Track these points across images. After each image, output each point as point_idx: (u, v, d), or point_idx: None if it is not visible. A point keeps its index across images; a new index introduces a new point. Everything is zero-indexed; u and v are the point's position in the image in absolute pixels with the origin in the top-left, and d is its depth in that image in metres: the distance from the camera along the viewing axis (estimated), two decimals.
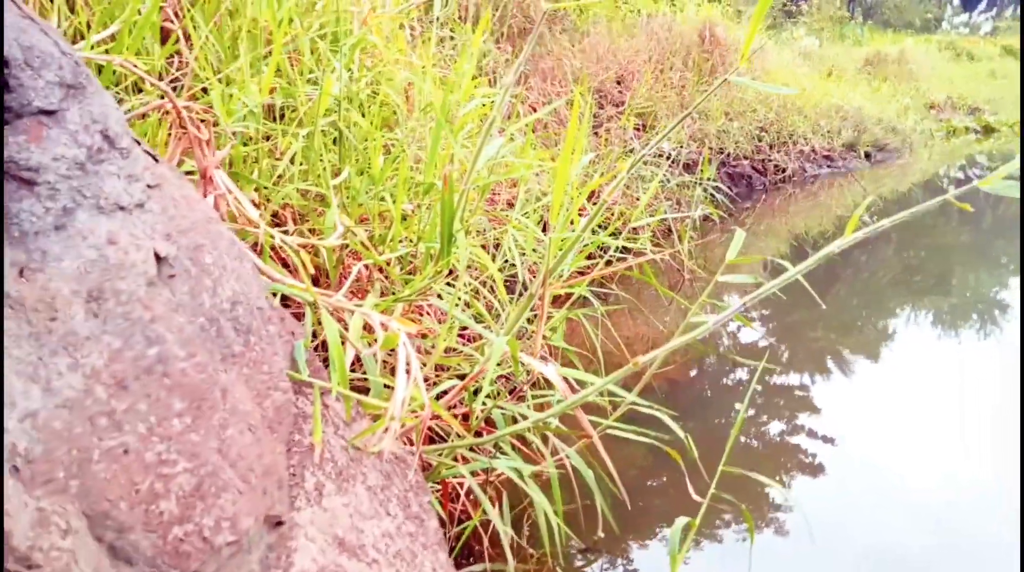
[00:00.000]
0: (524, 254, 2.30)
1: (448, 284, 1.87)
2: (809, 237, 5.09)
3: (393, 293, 1.66)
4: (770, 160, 6.71)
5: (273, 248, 1.45)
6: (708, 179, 3.89)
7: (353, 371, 1.38)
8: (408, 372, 0.94)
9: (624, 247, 3.85)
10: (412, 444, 1.28)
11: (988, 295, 3.94)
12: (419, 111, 2.44)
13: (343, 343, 1.06)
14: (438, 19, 2.96)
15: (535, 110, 4.62)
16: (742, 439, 2.33)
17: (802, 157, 7.17)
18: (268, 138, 1.84)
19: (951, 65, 16.88)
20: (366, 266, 1.65)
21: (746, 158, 6.52)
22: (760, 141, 6.84)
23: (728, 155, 6.35)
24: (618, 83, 6.45)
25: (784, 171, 6.75)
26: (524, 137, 3.02)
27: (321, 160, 1.71)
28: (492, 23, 4.48)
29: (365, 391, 1.38)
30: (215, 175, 1.21)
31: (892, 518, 1.96)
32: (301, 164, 1.77)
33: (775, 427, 2.46)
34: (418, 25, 3.40)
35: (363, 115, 2.06)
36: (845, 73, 11.82)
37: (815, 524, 1.86)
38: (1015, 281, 4.19)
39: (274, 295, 1.23)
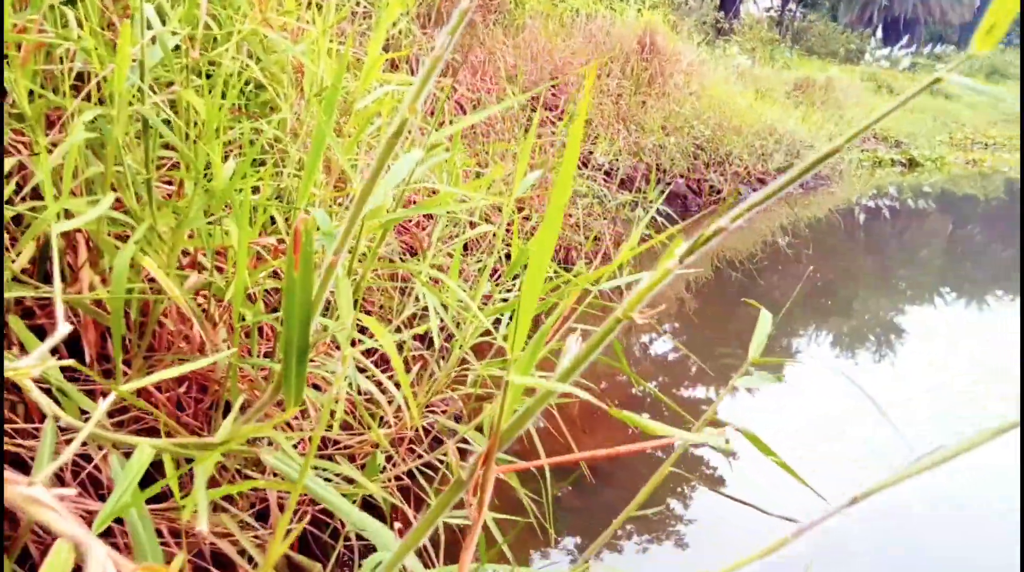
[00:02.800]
0: (445, 308, 1.79)
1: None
2: (736, 260, 5.03)
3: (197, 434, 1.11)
4: (706, 180, 6.39)
5: None
6: (651, 201, 3.47)
7: None
8: None
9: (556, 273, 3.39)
10: None
11: (886, 319, 4.10)
12: (311, 98, 1.89)
13: None
14: None
15: (462, 107, 4.11)
16: (647, 449, 2.11)
17: (737, 178, 6.89)
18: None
19: (873, 96, 17.23)
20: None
21: (682, 176, 6.17)
22: (696, 159, 6.52)
23: (664, 172, 5.98)
24: (553, 85, 6.00)
25: (719, 192, 6.45)
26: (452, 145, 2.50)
27: (120, 165, 1.13)
28: (420, 5, 3.94)
29: None
30: None
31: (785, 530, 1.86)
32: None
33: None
34: None
35: (223, 96, 1.49)
36: (775, 94, 11.77)
37: (714, 535, 1.94)
38: (912, 307, 4.42)
39: None
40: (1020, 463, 2.26)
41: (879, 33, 35.59)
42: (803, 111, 10.97)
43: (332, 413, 1.24)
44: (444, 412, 1.91)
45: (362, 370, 1.45)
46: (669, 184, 6.01)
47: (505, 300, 1.94)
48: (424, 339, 2.10)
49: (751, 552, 0.58)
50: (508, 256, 3.03)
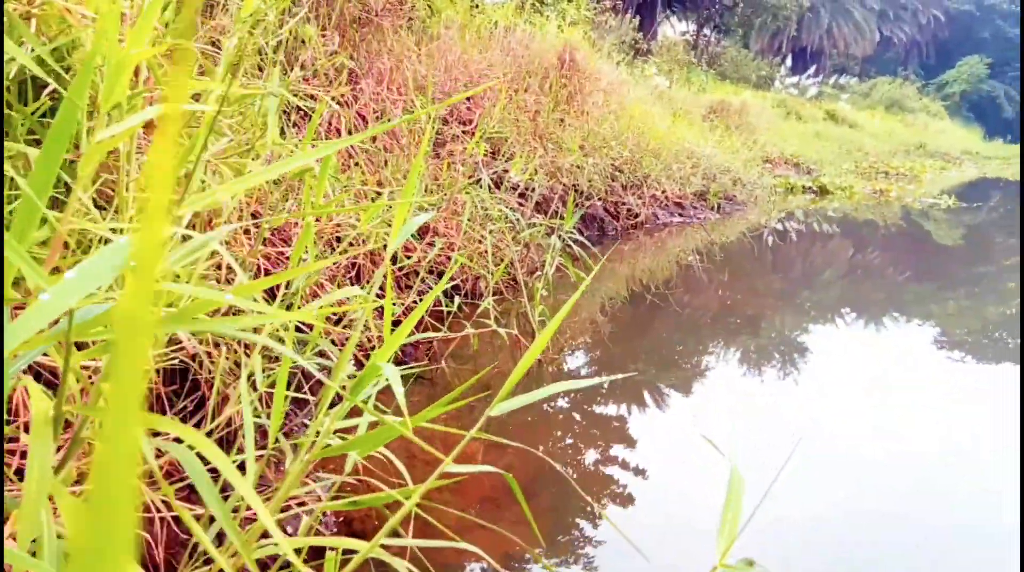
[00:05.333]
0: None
1: None
2: (651, 283, 5.03)
3: None
4: (623, 203, 6.19)
5: None
6: (568, 231, 3.17)
7: None
8: None
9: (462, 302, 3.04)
10: None
11: (791, 338, 4.21)
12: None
13: None
14: None
15: (364, 118, 3.73)
16: (557, 466, 2.30)
17: (655, 203, 6.72)
18: None
19: (783, 123, 17.67)
20: None
21: (600, 199, 5.94)
22: (614, 180, 6.30)
23: (581, 193, 5.74)
24: (467, 98, 5.68)
25: (637, 217, 6.25)
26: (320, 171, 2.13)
27: None
28: (319, 5, 3.55)
29: None
30: None
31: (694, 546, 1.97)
32: None
33: (591, 456, 2.44)
34: None
35: None
36: (692, 117, 11.81)
37: (621, 552, 1.87)
38: (815, 326, 4.58)
39: None
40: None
41: (788, 62, 36.97)
42: (719, 134, 11.03)
43: None
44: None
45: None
46: (587, 206, 5.77)
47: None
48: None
49: None
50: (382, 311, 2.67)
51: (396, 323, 2.96)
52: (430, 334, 2.25)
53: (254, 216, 2.24)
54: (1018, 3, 47.85)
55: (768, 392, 3.26)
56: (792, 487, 2.21)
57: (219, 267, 1.81)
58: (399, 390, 0.96)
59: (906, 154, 22.32)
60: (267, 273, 2.31)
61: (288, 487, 1.01)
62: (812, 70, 34.50)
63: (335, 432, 1.17)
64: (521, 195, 4.81)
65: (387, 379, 0.99)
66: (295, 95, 3.09)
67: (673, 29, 30.43)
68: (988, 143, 33.90)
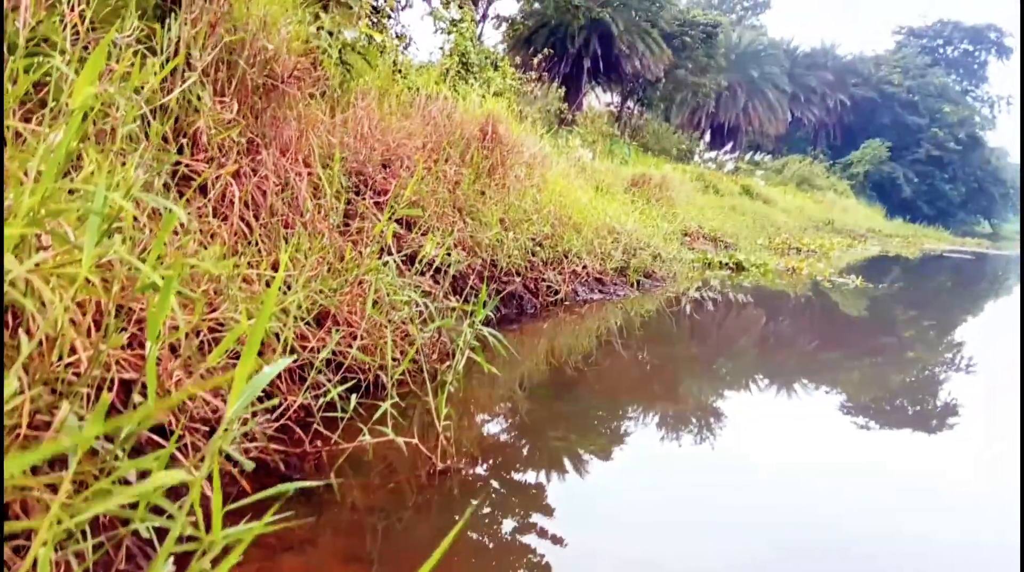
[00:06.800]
0: None
1: None
2: (570, 356, 5.03)
3: None
4: (543, 280, 6.02)
5: None
6: (481, 321, 2.93)
7: None
8: None
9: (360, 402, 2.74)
10: None
11: (707, 404, 4.30)
12: None
13: None
14: None
15: (264, 192, 3.44)
16: (473, 536, 2.25)
17: (576, 279, 6.59)
18: None
19: (702, 197, 18.13)
20: None
21: (519, 274, 5.76)
22: (534, 256, 6.15)
23: (500, 269, 5.54)
24: (384, 166, 5.46)
25: (557, 293, 6.09)
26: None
27: None
28: (216, 68, 3.28)
29: None
30: None
31: None
32: None
33: (507, 525, 2.38)
34: None
35: None
36: (614, 189, 11.91)
37: None
38: (731, 392, 4.71)
39: None
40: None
41: (707, 137, 38.46)
42: (640, 206, 11.13)
43: None
44: None
45: None
46: (506, 283, 5.57)
47: None
48: None
49: None
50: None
51: (283, 430, 2.64)
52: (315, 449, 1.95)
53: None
54: (915, 93, 51.45)
55: (685, 456, 3.35)
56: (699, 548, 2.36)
57: None
58: None
59: (816, 230, 23.23)
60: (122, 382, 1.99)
61: None
62: (729, 146, 35.94)
63: None
64: (437, 271, 4.57)
65: None
66: (180, 167, 2.79)
67: (598, 100, 31.28)
68: (890, 222, 35.75)
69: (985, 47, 60.10)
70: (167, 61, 2.81)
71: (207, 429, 2.10)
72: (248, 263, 2.88)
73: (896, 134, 49.27)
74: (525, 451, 3.06)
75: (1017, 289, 14.76)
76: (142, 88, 2.50)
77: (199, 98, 2.97)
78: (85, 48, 2.33)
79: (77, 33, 2.33)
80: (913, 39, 60.01)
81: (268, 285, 2.89)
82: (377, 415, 2.49)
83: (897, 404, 4.81)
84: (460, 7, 14.68)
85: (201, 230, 2.87)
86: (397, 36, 13.54)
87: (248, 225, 3.26)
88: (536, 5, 25.94)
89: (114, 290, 1.58)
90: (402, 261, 4.14)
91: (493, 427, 3.39)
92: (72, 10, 2.26)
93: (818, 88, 46.36)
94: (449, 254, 4.81)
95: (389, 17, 7.70)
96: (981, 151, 53.26)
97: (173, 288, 1.22)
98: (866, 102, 50.08)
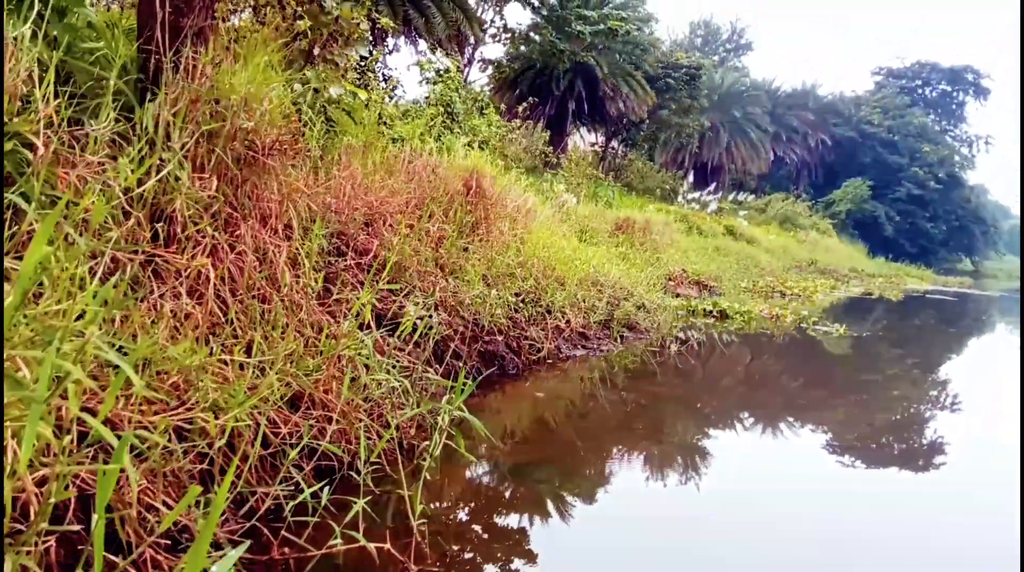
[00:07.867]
0: None
1: None
2: (553, 410, 5.15)
3: None
4: (526, 337, 5.99)
5: None
6: (458, 407, 2.90)
7: None
8: None
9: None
10: None
11: (691, 442, 4.42)
12: None
13: None
14: None
15: (241, 269, 3.41)
16: None
17: (559, 334, 6.57)
18: None
19: (686, 238, 18.23)
20: None
21: (501, 333, 5.73)
22: (517, 312, 6.13)
23: (482, 329, 5.52)
24: (367, 225, 5.45)
25: (540, 351, 6.06)
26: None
27: None
28: (197, 143, 3.27)
29: None
30: None
31: None
32: None
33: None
34: None
35: None
36: (599, 236, 11.96)
37: None
38: (716, 432, 4.84)
39: None
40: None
41: (690, 177, 38.85)
42: (623, 251, 11.17)
43: None
44: None
45: None
46: (487, 343, 5.54)
47: None
48: None
49: None
50: None
51: (251, 533, 2.58)
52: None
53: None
54: (895, 133, 52.29)
55: (670, 496, 3.48)
56: None
57: None
58: None
59: (799, 270, 23.37)
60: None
61: None
62: (713, 186, 36.31)
63: None
64: (420, 342, 4.52)
65: None
66: (153, 258, 2.77)
67: (583, 139, 31.58)
68: (872, 260, 36.06)
69: (963, 88, 61.28)
70: (147, 145, 2.80)
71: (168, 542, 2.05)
72: (222, 347, 2.84)
73: (877, 173, 49.93)
74: (508, 544, 2.98)
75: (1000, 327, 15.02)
76: (116, 176, 2.48)
77: (177, 178, 2.95)
78: (62, 142, 2.31)
79: (51, 124, 2.32)
80: (892, 80, 61.11)
81: (242, 368, 2.85)
82: (349, 516, 2.43)
83: (882, 441, 4.97)
84: (447, 55, 14.87)
85: (174, 312, 2.84)
86: (384, 79, 13.64)
87: (224, 302, 3.22)
88: (522, 48, 26.26)
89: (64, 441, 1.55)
90: (382, 328, 4.10)
91: (472, 517, 3.30)
92: (47, 104, 2.24)
93: (800, 128, 47.03)
94: (431, 316, 4.79)
95: (373, 72, 7.76)
96: (961, 190, 54.03)
97: (122, 462, 1.18)
98: (847, 141, 50.84)
